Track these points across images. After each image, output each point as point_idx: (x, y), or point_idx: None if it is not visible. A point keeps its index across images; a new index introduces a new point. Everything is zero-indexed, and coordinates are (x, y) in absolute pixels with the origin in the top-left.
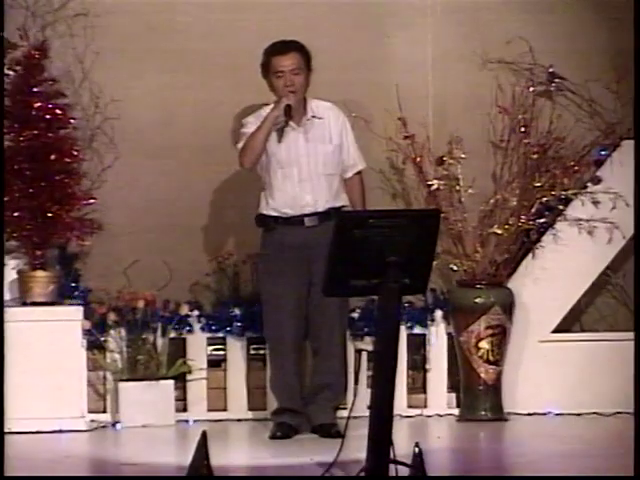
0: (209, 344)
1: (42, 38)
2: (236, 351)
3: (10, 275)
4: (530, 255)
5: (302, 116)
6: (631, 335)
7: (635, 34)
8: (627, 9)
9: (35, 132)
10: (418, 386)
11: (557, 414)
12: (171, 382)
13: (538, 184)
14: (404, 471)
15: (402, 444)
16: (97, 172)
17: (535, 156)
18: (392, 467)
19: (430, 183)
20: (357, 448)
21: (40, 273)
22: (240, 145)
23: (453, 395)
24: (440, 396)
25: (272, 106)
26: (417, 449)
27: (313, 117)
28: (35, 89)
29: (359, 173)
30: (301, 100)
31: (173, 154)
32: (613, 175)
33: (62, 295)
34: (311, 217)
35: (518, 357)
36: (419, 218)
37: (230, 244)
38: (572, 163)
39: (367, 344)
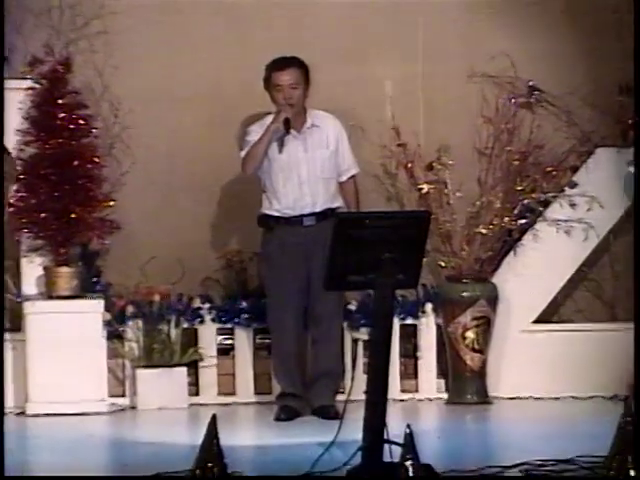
0: (219, 334)
1: (66, 54)
2: (243, 340)
3: (37, 271)
4: (512, 252)
5: (302, 125)
6: (605, 326)
7: (635, 36)
8: (603, 29)
9: (59, 140)
10: (410, 372)
11: (537, 398)
12: (184, 369)
13: (520, 188)
14: (397, 450)
15: (395, 425)
16: (116, 176)
17: (517, 162)
18: (386, 446)
19: (421, 187)
20: (354, 429)
21: (64, 269)
22: (243, 153)
23: (442, 380)
24: (430, 381)
25: (273, 116)
26: (408, 430)
27: (313, 126)
28: (60, 101)
29: (353, 177)
30: (300, 111)
31: (185, 159)
32: (588, 180)
33: (84, 289)
34: (309, 217)
35: (501, 346)
36: (411, 219)
37: (238, 242)
38: (551, 169)
39: (363, 334)
